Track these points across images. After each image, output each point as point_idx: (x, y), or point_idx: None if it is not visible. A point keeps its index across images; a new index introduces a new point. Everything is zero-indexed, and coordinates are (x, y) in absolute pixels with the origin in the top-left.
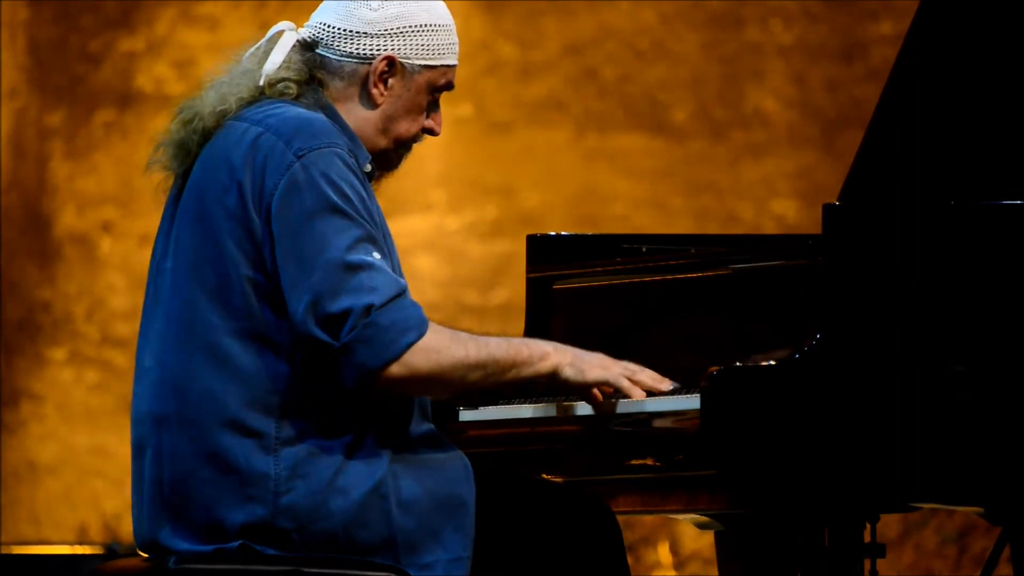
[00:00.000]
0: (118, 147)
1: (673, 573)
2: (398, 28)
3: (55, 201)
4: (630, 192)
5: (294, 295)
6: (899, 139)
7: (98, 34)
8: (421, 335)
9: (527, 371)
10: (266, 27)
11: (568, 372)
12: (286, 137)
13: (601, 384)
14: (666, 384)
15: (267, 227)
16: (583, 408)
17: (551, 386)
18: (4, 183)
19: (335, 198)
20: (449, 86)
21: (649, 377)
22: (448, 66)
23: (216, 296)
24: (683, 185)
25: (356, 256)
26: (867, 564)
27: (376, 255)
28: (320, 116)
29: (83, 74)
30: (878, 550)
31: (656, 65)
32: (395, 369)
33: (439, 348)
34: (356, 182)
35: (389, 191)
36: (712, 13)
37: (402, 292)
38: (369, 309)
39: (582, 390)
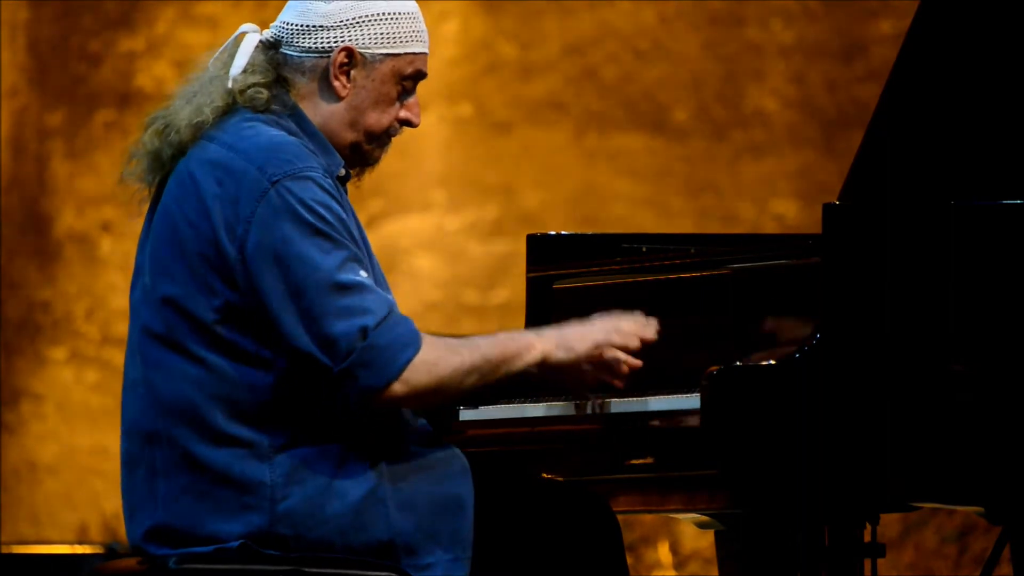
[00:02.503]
0: (118, 147)
1: (673, 573)
2: (353, 18)
3: (55, 201)
4: (630, 192)
5: (287, 319)
6: (899, 139)
7: (98, 34)
8: (418, 350)
9: (517, 364)
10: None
11: (559, 355)
12: (258, 163)
13: (594, 352)
14: (650, 330)
15: (240, 253)
16: (583, 407)
17: (544, 374)
18: (4, 183)
19: (315, 221)
20: (419, 75)
21: (632, 324)
22: (413, 54)
23: (192, 314)
24: (683, 185)
25: (346, 276)
26: (867, 564)
27: (363, 274)
28: (291, 139)
29: (83, 74)
30: (878, 550)
31: (656, 65)
32: (396, 387)
33: (436, 360)
34: (334, 204)
35: (389, 191)
36: (712, 13)
37: (392, 309)
38: (365, 331)
39: (578, 369)
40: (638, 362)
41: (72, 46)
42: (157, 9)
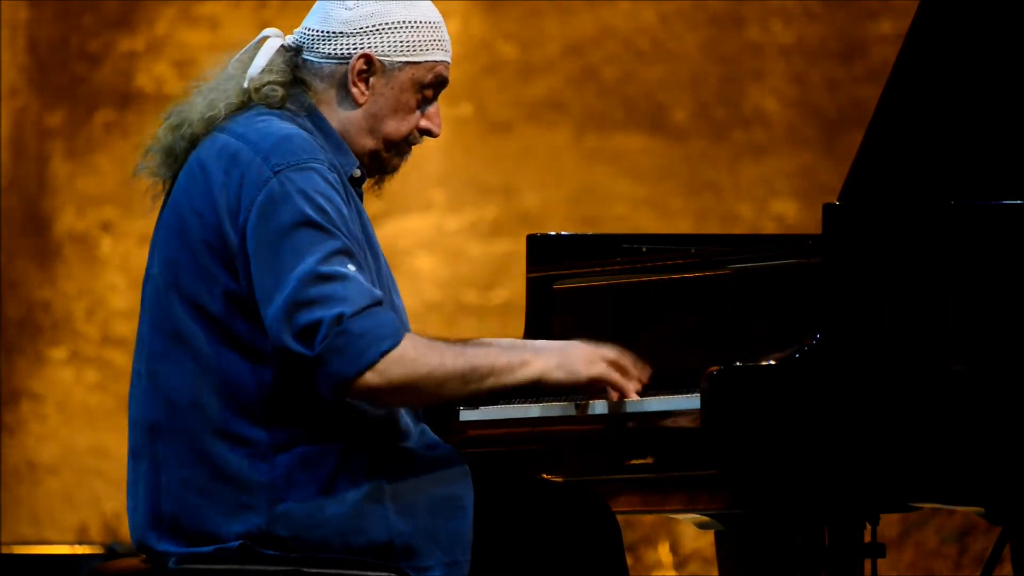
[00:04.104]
0: (118, 147)
1: (673, 573)
2: (374, 26)
3: (55, 201)
4: (630, 192)
5: (268, 308)
6: (899, 139)
7: (98, 34)
8: (396, 343)
9: (508, 379)
10: (266, 27)
11: (558, 375)
12: (264, 153)
13: (592, 380)
14: (645, 374)
15: (242, 242)
16: (583, 408)
17: (537, 389)
18: (4, 183)
19: (311, 212)
20: (439, 83)
21: (631, 363)
22: (434, 62)
23: (197, 306)
24: (683, 185)
25: (329, 267)
26: (867, 564)
27: (351, 267)
28: (301, 132)
29: (83, 74)
30: (878, 550)
31: (656, 65)
32: (370, 377)
33: (415, 356)
34: (335, 196)
35: (389, 191)
36: (712, 13)
37: (376, 302)
38: (340, 318)
39: (576, 389)
40: (636, 397)
41: (72, 46)
42: (157, 9)
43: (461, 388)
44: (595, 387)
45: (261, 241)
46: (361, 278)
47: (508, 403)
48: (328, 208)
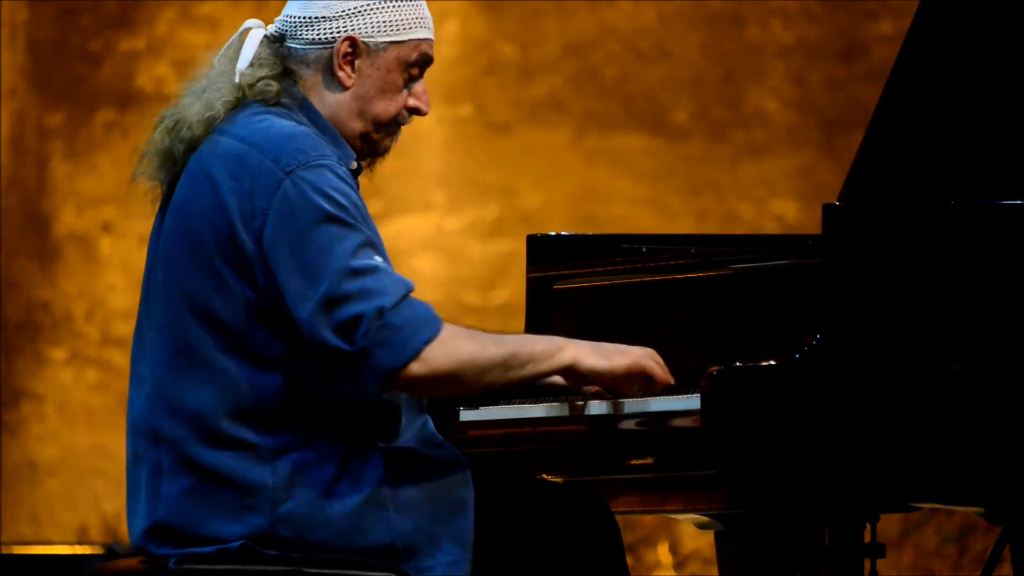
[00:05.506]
0: (118, 147)
1: (673, 573)
2: (355, 8)
3: (55, 201)
4: (630, 192)
5: (303, 307)
6: (899, 139)
7: (98, 34)
8: (437, 331)
9: (544, 365)
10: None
11: (592, 361)
12: (272, 155)
13: (630, 371)
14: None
15: (258, 246)
16: (583, 408)
17: (570, 381)
18: (4, 183)
19: (330, 208)
20: (424, 60)
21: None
22: (418, 40)
23: (206, 313)
24: (683, 185)
25: (361, 261)
26: (867, 564)
27: (378, 259)
28: (304, 129)
29: (83, 74)
30: (878, 550)
31: (656, 65)
32: (415, 367)
33: (456, 344)
34: (349, 190)
35: (389, 191)
36: (712, 13)
37: (410, 291)
38: (381, 311)
39: (611, 380)
40: (670, 380)
41: (72, 46)
42: (157, 9)
43: (502, 375)
44: (627, 379)
45: (284, 244)
46: (390, 269)
47: (508, 403)
48: (345, 203)
